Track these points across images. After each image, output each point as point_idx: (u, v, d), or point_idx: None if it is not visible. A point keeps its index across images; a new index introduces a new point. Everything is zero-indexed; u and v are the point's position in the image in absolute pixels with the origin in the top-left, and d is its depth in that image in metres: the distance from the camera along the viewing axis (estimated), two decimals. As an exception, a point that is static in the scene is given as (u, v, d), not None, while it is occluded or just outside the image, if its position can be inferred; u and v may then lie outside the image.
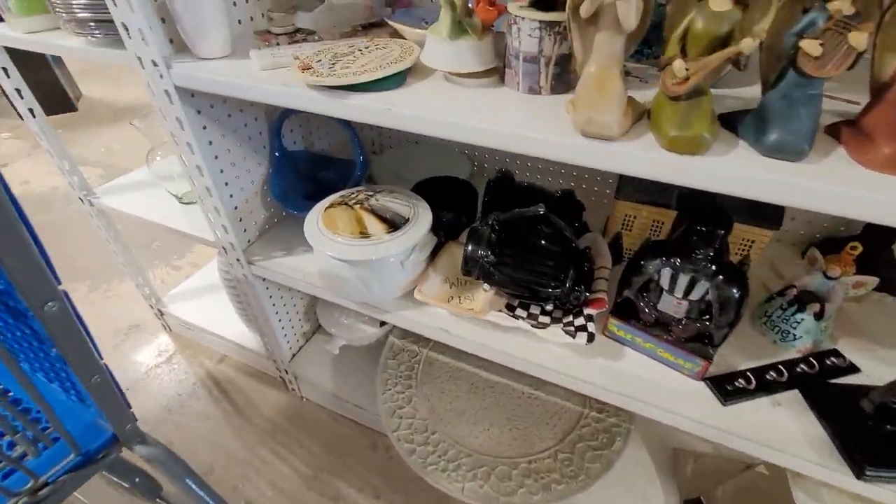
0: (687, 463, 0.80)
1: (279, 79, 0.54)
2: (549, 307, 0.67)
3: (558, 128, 0.42)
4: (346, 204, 0.70)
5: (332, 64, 0.52)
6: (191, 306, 1.23)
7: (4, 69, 0.82)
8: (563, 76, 0.48)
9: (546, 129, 0.42)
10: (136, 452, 0.56)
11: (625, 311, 0.64)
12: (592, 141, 0.40)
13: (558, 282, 0.63)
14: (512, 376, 0.92)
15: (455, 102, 0.48)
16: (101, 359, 0.43)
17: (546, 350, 0.65)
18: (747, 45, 0.34)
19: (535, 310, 0.69)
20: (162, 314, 1.24)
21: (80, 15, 0.61)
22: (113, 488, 0.94)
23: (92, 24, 0.62)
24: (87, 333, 0.39)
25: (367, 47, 0.57)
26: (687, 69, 0.36)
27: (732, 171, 0.36)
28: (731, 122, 0.41)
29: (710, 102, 0.38)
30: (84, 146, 2.27)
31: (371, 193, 0.73)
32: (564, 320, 0.66)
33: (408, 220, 0.68)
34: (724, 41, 0.37)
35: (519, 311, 0.68)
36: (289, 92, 0.52)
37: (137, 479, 0.64)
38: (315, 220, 0.69)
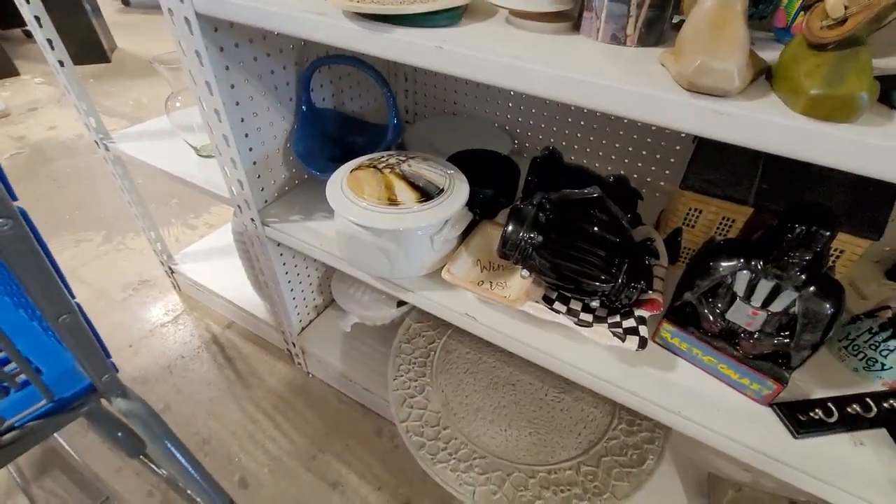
0: (725, 493, 0.72)
1: (312, 6, 0.47)
2: (593, 303, 0.59)
3: (652, 81, 0.34)
4: (374, 167, 0.63)
5: (377, -7, 0.44)
6: (202, 267, 1.18)
7: (37, 18, 0.77)
8: (656, 25, 0.39)
9: (638, 81, 0.34)
10: (114, 406, 0.51)
11: (682, 316, 0.55)
12: (699, 97, 0.31)
13: (610, 275, 0.54)
14: (536, 375, 0.85)
15: (520, 46, 0.40)
16: (73, 297, 0.36)
17: (585, 351, 0.57)
18: (945, -26, 0.25)
19: (575, 305, 0.61)
20: (172, 272, 1.20)
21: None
22: (98, 435, 0.91)
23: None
24: (55, 266, 0.33)
25: (417, -18, 0.49)
26: (846, 7, 0.27)
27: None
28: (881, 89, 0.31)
29: (869, 55, 0.29)
30: (115, 97, 2.25)
31: (403, 158, 0.65)
32: (610, 320, 0.58)
33: (442, 190, 0.60)
34: (899, -25, 0.28)
35: (557, 305, 0.60)
36: (322, 22, 0.45)
37: (120, 434, 0.60)
38: (339, 181, 0.62)
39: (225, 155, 0.69)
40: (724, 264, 0.50)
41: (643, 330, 0.54)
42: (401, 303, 0.90)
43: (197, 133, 0.87)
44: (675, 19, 0.46)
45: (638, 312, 0.56)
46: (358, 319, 0.92)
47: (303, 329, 1.01)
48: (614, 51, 0.40)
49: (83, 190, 1.59)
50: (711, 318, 0.52)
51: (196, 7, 0.52)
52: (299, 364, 1.05)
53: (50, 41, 0.80)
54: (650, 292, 0.56)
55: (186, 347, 1.11)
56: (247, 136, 0.69)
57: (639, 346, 0.52)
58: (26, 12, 0.76)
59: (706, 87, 0.30)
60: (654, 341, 0.58)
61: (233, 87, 0.64)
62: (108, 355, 0.46)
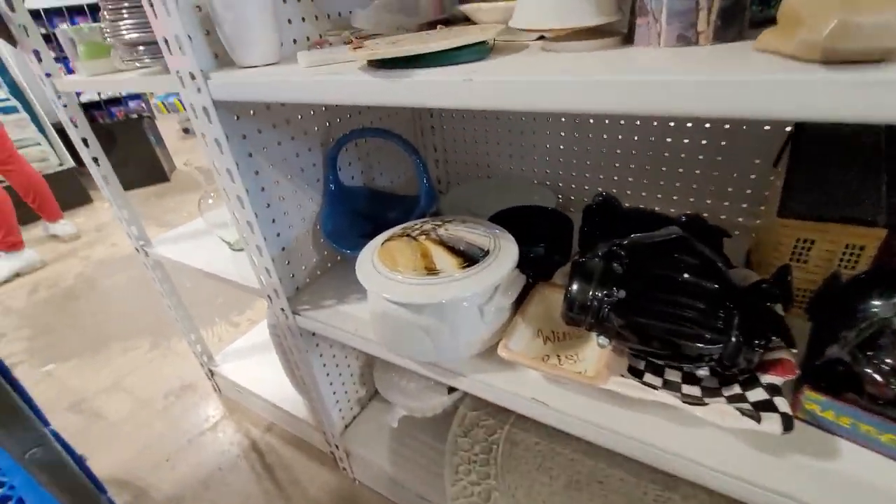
0: None
1: (326, 70, 0.43)
2: (700, 371, 0.46)
3: (760, 66, 0.25)
4: (408, 236, 0.56)
5: (393, 43, 0.40)
6: (242, 366, 1.13)
7: (84, 140, 0.83)
8: (736, 16, 0.32)
9: (739, 71, 0.25)
10: None
11: (830, 379, 0.41)
12: (844, 70, 0.22)
13: (716, 332, 0.42)
14: (627, 467, 0.68)
15: (564, 67, 0.33)
16: (48, 424, 0.29)
17: (697, 436, 0.43)
18: None
19: (672, 375, 0.48)
20: (213, 374, 1.15)
21: (127, 36, 0.56)
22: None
23: (140, 47, 0.57)
24: (17, 389, 0.26)
25: (437, 32, 0.45)
26: None
27: None
28: None
29: None
30: (174, 211, 2.44)
31: (439, 223, 0.59)
32: (726, 392, 0.44)
33: (488, 252, 0.52)
34: None
35: (649, 377, 0.47)
36: (336, 81, 0.41)
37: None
38: (370, 256, 0.55)
39: (251, 243, 0.65)
40: (878, 303, 0.37)
41: (781, 403, 0.40)
42: (452, 388, 0.78)
43: (230, 228, 0.86)
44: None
45: (765, 379, 0.42)
46: (406, 412, 0.80)
47: (346, 427, 0.90)
48: (684, 54, 0.32)
49: (135, 299, 1.64)
50: (880, 378, 0.38)
51: (213, 94, 0.51)
52: (344, 469, 0.92)
53: (96, 159, 0.84)
54: (776, 350, 0.43)
55: (224, 457, 1.01)
56: (274, 221, 0.65)
57: (784, 429, 0.38)
58: (74, 135, 0.80)
59: (856, 53, 0.21)
60: (796, 416, 0.43)
61: (257, 173, 0.61)
62: (102, 490, 0.38)
